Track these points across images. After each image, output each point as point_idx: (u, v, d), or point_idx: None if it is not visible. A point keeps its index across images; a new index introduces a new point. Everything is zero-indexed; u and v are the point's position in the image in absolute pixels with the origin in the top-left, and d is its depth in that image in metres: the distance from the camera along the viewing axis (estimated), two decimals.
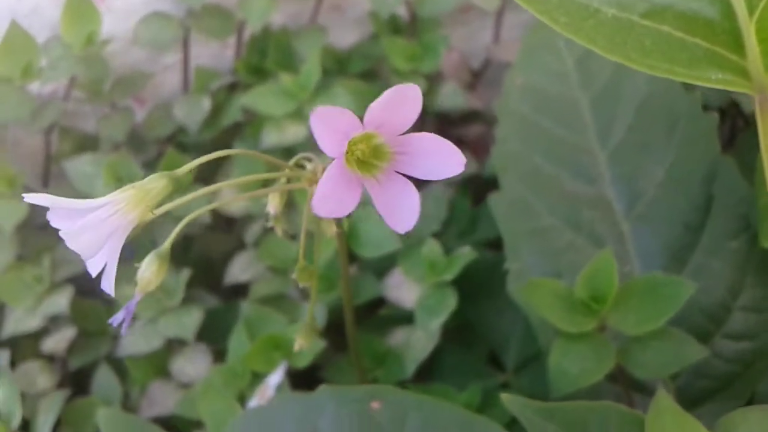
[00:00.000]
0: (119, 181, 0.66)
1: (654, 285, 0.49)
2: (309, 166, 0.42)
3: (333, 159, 0.35)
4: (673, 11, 0.39)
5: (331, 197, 0.33)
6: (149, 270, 0.39)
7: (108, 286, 0.38)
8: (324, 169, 0.38)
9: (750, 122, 0.70)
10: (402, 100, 0.33)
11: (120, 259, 0.79)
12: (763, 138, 0.40)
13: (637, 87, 0.61)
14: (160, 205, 0.38)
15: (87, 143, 0.75)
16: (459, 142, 0.81)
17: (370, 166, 0.35)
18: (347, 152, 0.34)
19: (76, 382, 0.70)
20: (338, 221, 0.44)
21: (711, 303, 0.54)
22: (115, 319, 0.40)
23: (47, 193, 0.73)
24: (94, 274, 0.38)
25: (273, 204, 0.43)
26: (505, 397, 0.43)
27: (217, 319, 0.69)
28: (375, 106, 0.33)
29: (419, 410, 0.43)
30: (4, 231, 0.68)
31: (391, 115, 0.33)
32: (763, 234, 0.52)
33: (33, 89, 0.70)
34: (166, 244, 0.40)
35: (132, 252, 0.78)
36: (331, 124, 0.33)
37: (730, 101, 0.67)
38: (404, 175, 0.36)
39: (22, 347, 0.71)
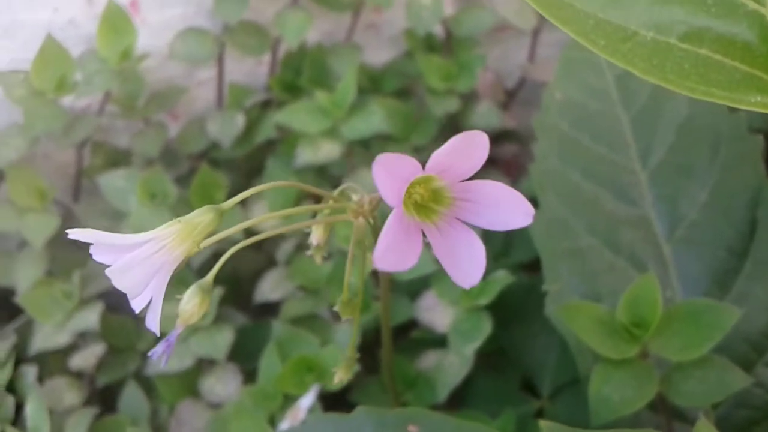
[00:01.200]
0: (153, 196, 0.66)
1: (698, 311, 0.48)
2: (355, 197, 0.40)
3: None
4: (711, 34, 0.38)
5: (392, 249, 0.32)
6: (191, 303, 0.38)
7: (153, 323, 0.37)
8: (370, 201, 0.37)
9: None
10: (469, 147, 0.31)
11: None
12: None
13: (678, 106, 0.60)
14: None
15: (119, 158, 0.75)
16: (492, 161, 0.80)
17: (429, 211, 0.33)
18: (405, 195, 0.33)
19: (104, 400, 0.69)
20: None
21: (753, 331, 0.53)
22: (155, 352, 0.39)
23: (78, 208, 0.73)
24: (137, 311, 0.37)
25: (316, 235, 0.42)
26: (544, 424, 0.42)
27: (247, 337, 0.69)
28: (440, 153, 0.31)
29: None
30: (35, 246, 0.68)
31: (456, 161, 0.31)
32: None
33: (66, 103, 0.70)
34: (209, 277, 0.39)
35: None
36: (393, 170, 0.31)
37: None
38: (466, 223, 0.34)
39: (50, 363, 0.71)
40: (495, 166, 0.76)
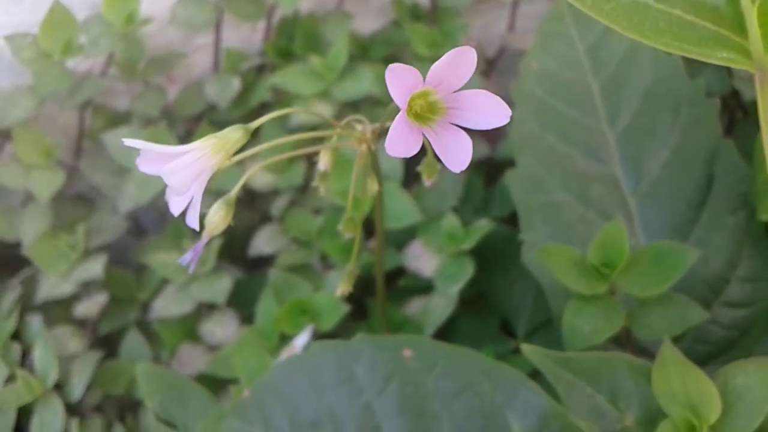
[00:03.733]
0: None
1: (660, 252, 0.54)
2: (359, 126, 0.46)
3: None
4: None
5: (399, 140, 0.38)
6: (217, 215, 0.44)
7: (193, 221, 0.42)
8: (372, 131, 0.43)
9: (748, 112, 0.75)
10: (460, 61, 0.37)
11: (151, 228, 0.83)
12: (763, 113, 0.44)
13: (643, 74, 0.65)
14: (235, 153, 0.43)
15: (119, 120, 0.78)
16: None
17: (426, 119, 0.40)
18: (407, 106, 0.39)
19: (106, 347, 0.73)
20: (380, 182, 0.48)
21: (711, 274, 0.59)
22: (184, 259, 0.44)
23: (83, 164, 0.76)
24: (176, 214, 0.42)
25: (324, 161, 0.47)
26: (525, 347, 0.48)
27: (242, 289, 0.73)
28: (437, 65, 0.37)
29: (448, 358, 0.47)
30: (41, 200, 0.72)
31: (449, 73, 0.37)
32: (761, 209, 0.56)
33: (70, 65, 0.73)
34: (233, 192, 0.44)
35: (162, 223, 0.82)
36: (401, 78, 0.37)
37: (730, 91, 0.72)
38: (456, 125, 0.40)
39: (54, 313, 0.75)
40: (475, 131, 0.81)
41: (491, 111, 0.39)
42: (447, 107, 0.40)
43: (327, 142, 0.48)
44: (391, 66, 0.37)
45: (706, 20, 0.42)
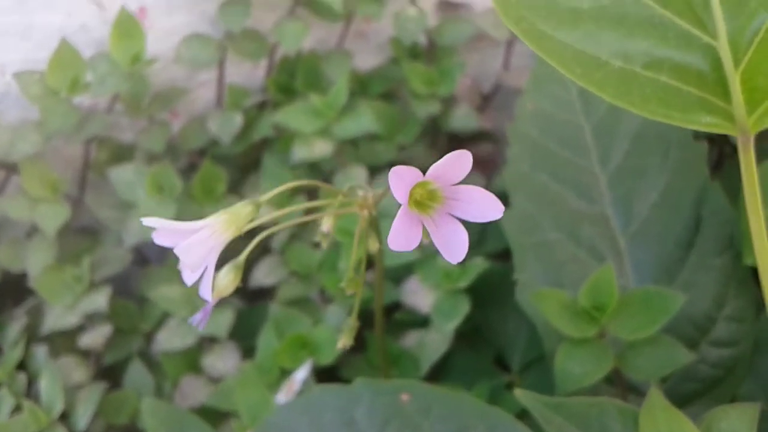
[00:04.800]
0: (160, 189, 0.72)
1: (649, 296, 0.56)
2: (360, 192, 0.48)
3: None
4: (669, 63, 0.45)
5: (401, 233, 0.41)
6: (226, 278, 0.46)
7: (206, 292, 0.44)
8: (373, 197, 0.45)
9: (736, 149, 0.77)
10: (457, 162, 0.40)
11: (154, 259, 0.85)
12: (745, 172, 0.46)
13: (633, 117, 0.67)
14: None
15: (123, 153, 0.80)
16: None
17: (426, 207, 0.43)
18: (409, 195, 0.41)
19: (109, 377, 0.75)
20: (380, 241, 0.51)
21: (698, 313, 0.61)
22: (194, 319, 0.47)
23: (88, 199, 0.78)
24: (189, 284, 0.44)
25: (327, 225, 0.49)
26: (518, 392, 0.50)
27: (244, 320, 0.75)
28: (436, 166, 0.41)
29: (443, 402, 0.49)
30: (48, 233, 0.73)
31: (447, 171, 0.40)
32: (746, 253, 0.58)
33: (75, 101, 0.75)
34: (242, 257, 0.46)
35: (164, 254, 0.84)
36: (402, 177, 0.40)
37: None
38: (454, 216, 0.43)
39: (59, 343, 0.76)
40: (472, 164, 0.83)
41: (486, 206, 0.42)
42: (445, 197, 0.42)
43: (328, 208, 0.50)
44: (394, 169, 0.40)
45: (690, 86, 0.44)
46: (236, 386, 0.63)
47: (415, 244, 0.42)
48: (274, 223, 0.77)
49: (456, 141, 0.83)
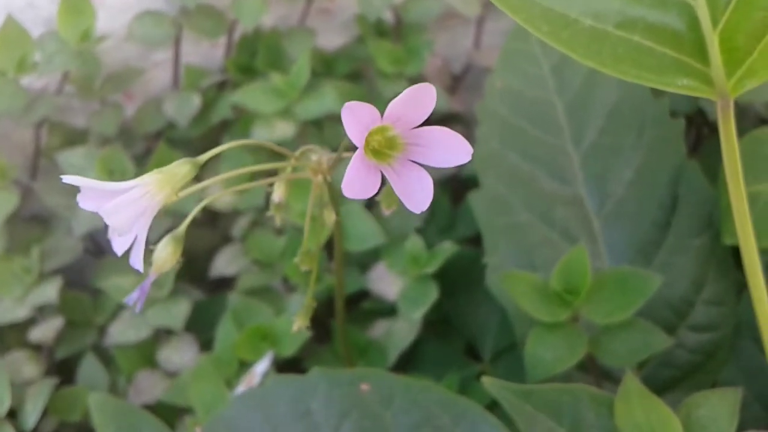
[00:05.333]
0: (111, 174, 0.68)
1: (623, 278, 0.53)
2: (314, 156, 0.44)
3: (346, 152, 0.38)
4: (643, 23, 0.42)
5: (356, 181, 0.37)
6: (165, 251, 0.42)
7: (137, 261, 0.40)
8: (328, 160, 0.41)
9: (714, 129, 0.75)
10: (420, 98, 0.36)
11: (107, 249, 0.81)
12: (725, 140, 0.43)
13: (608, 93, 0.64)
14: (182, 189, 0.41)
15: (75, 138, 0.76)
16: None
17: (385, 156, 0.38)
18: (365, 142, 0.37)
19: (62, 373, 0.71)
20: (337, 211, 0.47)
21: (675, 297, 0.58)
22: (131, 298, 0.43)
23: (37, 185, 0.74)
24: (120, 253, 0.40)
25: (279, 192, 0.46)
26: (485, 380, 0.46)
27: (202, 311, 0.71)
28: (396, 102, 0.36)
29: (406, 392, 0.46)
30: None
31: (408, 110, 0.36)
32: (725, 231, 0.56)
33: (23, 83, 0.71)
34: (182, 227, 0.43)
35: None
36: (358, 116, 0.36)
37: (696, 109, 0.71)
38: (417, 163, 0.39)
39: (8, 337, 0.73)
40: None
41: (451, 148, 0.38)
42: (406, 143, 0.38)
43: (282, 172, 0.47)
44: (347, 104, 0.36)
45: (666, 47, 0.41)
46: (191, 380, 0.59)
47: (372, 192, 0.38)
48: (233, 210, 0.74)
49: (425, 123, 0.79)
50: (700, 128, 0.76)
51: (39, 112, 0.71)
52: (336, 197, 0.48)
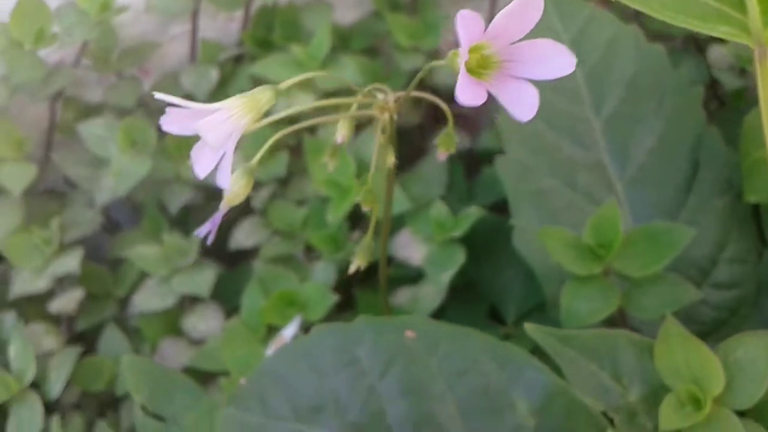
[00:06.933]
0: (134, 144, 0.69)
1: (655, 232, 0.54)
2: (381, 95, 0.45)
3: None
4: None
5: (467, 87, 0.36)
6: (237, 184, 0.42)
7: (224, 180, 0.40)
8: (396, 99, 0.42)
9: (724, 102, 0.76)
10: (526, 11, 0.36)
11: (125, 223, 0.81)
12: (762, 88, 0.45)
13: (627, 65, 0.66)
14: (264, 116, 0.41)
15: (91, 112, 0.76)
16: (453, 117, 0.85)
17: (480, 75, 0.38)
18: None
19: (83, 345, 0.71)
20: (396, 155, 0.47)
21: (699, 256, 0.59)
22: (201, 230, 0.43)
23: (56, 156, 0.74)
24: (202, 176, 0.40)
25: (342, 131, 0.45)
26: (528, 326, 0.48)
27: (223, 283, 0.72)
28: (503, 14, 0.36)
29: (451, 338, 0.47)
30: (14, 193, 0.69)
31: (512, 23, 0.36)
32: (748, 190, 0.57)
33: (40, 56, 0.71)
34: (254, 160, 0.43)
35: (135, 217, 0.80)
36: (469, 25, 0.36)
37: (708, 81, 0.73)
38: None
39: (28, 310, 0.73)
40: (455, 123, 0.81)
41: (554, 59, 0.37)
42: (501, 61, 0.38)
43: (345, 111, 0.47)
44: (461, 12, 0.36)
45: None
46: (223, 342, 0.59)
47: (482, 99, 0.37)
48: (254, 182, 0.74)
49: (440, 98, 0.80)
50: (708, 103, 0.78)
51: (56, 84, 0.71)
52: (394, 140, 0.48)
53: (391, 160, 0.47)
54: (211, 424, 0.55)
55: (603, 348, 0.47)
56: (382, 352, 0.46)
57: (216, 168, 0.40)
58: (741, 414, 0.45)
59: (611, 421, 0.45)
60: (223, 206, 0.43)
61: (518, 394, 0.45)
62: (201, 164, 0.40)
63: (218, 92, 0.75)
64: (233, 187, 0.42)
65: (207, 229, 0.44)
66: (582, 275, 0.53)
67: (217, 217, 0.43)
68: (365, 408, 0.46)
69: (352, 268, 0.50)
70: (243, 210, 0.76)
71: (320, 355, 0.47)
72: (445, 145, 0.46)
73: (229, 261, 0.76)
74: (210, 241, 0.43)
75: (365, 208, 0.48)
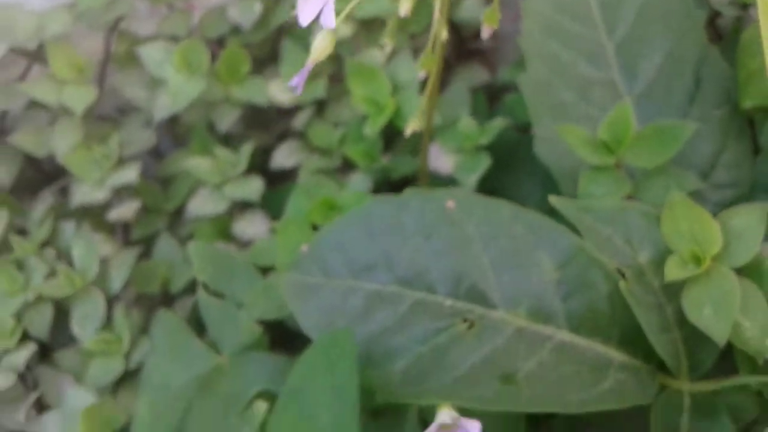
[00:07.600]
0: (189, 66, 0.75)
1: (661, 129, 0.61)
2: None
3: None
4: None
5: None
6: (323, 40, 0.48)
7: (329, 21, 0.45)
8: None
9: (722, 37, 0.83)
10: None
11: (166, 151, 0.87)
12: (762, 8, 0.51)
13: None
14: None
15: (143, 43, 0.83)
16: (473, 52, 0.91)
17: None
18: None
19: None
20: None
21: (699, 160, 0.66)
22: (293, 81, 0.49)
23: (115, 78, 0.81)
24: (305, 23, 0.45)
25: (405, 6, 0.50)
26: (552, 198, 0.55)
27: (266, 200, 0.78)
28: None
29: (485, 207, 0.54)
30: (75, 112, 0.76)
31: None
32: (743, 97, 0.64)
33: None
34: (338, 20, 0.49)
35: (175, 147, 0.87)
36: None
37: (709, 14, 0.80)
38: None
39: (86, 221, 0.79)
40: (475, 57, 0.88)
41: None
42: None
43: None
44: None
45: None
46: (279, 233, 0.66)
47: None
48: (295, 104, 0.81)
49: (462, 33, 0.87)
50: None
51: (117, 10, 0.78)
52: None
53: (444, 34, 0.54)
54: (266, 300, 0.62)
55: (617, 216, 0.54)
56: (426, 218, 0.54)
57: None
58: (736, 272, 0.52)
59: (623, 276, 0.52)
60: (311, 59, 0.48)
61: (544, 253, 0.53)
62: (305, 13, 0.46)
63: (260, 24, 0.82)
64: (319, 43, 0.48)
65: (297, 80, 0.50)
66: (597, 165, 0.60)
67: (304, 71, 0.50)
68: (412, 265, 0.53)
69: (408, 130, 0.56)
70: (282, 135, 0.84)
71: (373, 221, 0.54)
72: (489, 20, 0.52)
73: (270, 183, 0.83)
74: (299, 92, 0.49)
75: (424, 73, 0.54)
